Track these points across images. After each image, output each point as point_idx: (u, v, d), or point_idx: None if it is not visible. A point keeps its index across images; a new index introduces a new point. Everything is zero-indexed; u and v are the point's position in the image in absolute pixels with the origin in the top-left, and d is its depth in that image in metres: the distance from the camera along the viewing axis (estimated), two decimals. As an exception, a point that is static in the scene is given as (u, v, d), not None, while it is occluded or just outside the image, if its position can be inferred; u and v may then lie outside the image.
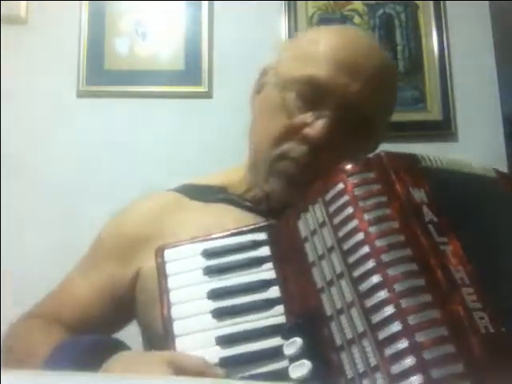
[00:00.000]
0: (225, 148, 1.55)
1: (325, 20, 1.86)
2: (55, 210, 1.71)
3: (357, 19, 1.87)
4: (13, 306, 1.56)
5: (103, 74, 1.81)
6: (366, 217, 0.57)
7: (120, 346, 0.67)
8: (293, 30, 1.83)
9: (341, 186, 0.60)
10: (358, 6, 1.87)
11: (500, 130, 1.77)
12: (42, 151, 1.75)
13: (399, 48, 1.84)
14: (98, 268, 0.84)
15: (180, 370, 0.57)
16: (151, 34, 1.84)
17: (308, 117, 0.76)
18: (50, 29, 1.82)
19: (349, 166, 0.61)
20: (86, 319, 0.80)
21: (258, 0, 1.77)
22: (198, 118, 1.77)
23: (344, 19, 1.87)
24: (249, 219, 0.78)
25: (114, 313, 0.82)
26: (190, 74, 1.79)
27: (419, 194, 0.59)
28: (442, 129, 1.79)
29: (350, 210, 0.58)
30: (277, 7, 1.82)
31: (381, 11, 1.87)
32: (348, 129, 0.76)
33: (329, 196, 0.61)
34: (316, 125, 0.75)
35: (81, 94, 1.79)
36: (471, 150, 1.71)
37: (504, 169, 1.70)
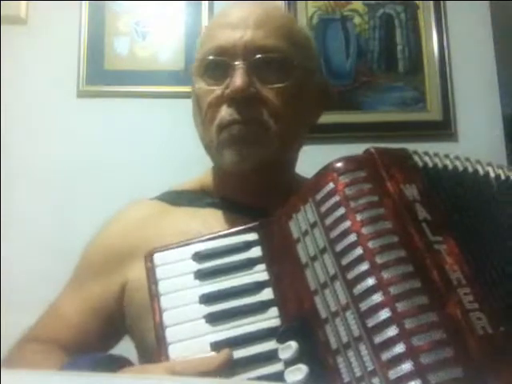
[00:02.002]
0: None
1: (325, 20, 1.86)
2: (55, 210, 1.71)
3: (357, 19, 1.87)
4: (13, 306, 1.57)
5: (103, 74, 1.80)
6: (358, 217, 0.56)
7: (120, 362, 0.66)
8: (293, 30, 1.83)
9: (331, 185, 0.59)
10: (358, 5, 1.87)
11: (500, 130, 1.77)
12: (41, 151, 1.75)
13: (399, 48, 1.84)
14: (87, 286, 0.83)
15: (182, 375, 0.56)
16: (151, 33, 1.83)
17: (225, 82, 0.78)
18: (50, 29, 1.82)
19: (339, 164, 0.60)
20: (80, 339, 0.79)
21: (257, 0, 1.77)
22: (198, 118, 1.77)
23: (344, 19, 1.87)
24: (237, 221, 0.77)
25: (108, 329, 0.82)
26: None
27: (411, 191, 0.59)
28: (442, 129, 1.79)
29: (341, 210, 0.58)
30: (277, 7, 1.82)
31: (381, 11, 1.87)
32: (265, 71, 0.78)
33: (319, 196, 0.60)
34: (233, 81, 0.77)
35: (81, 94, 1.79)
36: (471, 150, 1.70)
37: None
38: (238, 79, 0.76)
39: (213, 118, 0.79)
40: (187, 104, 1.85)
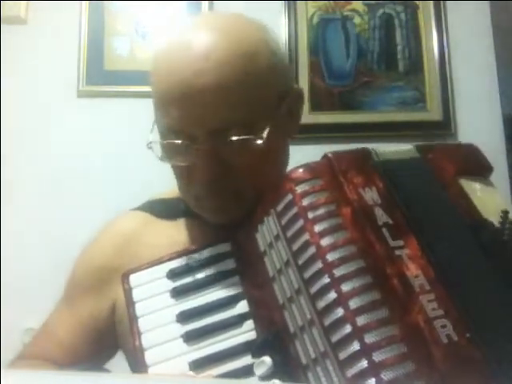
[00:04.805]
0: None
1: (325, 20, 1.87)
2: (55, 209, 1.71)
3: (357, 19, 1.87)
4: (13, 306, 1.57)
5: (103, 74, 1.81)
6: (317, 228, 0.55)
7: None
8: (293, 30, 1.84)
9: (289, 196, 0.58)
10: (358, 5, 1.87)
11: (500, 130, 1.77)
12: (41, 151, 1.75)
13: (399, 48, 1.85)
14: (76, 305, 0.82)
15: None
16: (151, 34, 1.84)
17: (192, 156, 0.70)
18: (49, 29, 1.82)
19: (296, 174, 0.59)
20: (74, 357, 0.78)
21: (258, 0, 1.77)
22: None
23: (344, 19, 1.87)
24: (216, 230, 0.75)
25: (100, 347, 0.81)
26: (190, 74, 1.80)
27: (371, 195, 0.58)
28: (442, 129, 1.79)
29: (300, 222, 0.57)
30: (277, 7, 1.82)
31: (381, 11, 1.87)
32: (230, 146, 0.68)
33: (280, 207, 0.59)
34: (199, 168, 0.69)
35: (81, 94, 1.79)
36: (471, 150, 1.71)
37: (504, 169, 1.70)
38: (203, 170, 0.68)
39: (187, 187, 0.75)
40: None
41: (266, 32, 0.78)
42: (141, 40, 1.83)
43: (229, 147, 0.68)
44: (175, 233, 0.80)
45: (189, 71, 0.67)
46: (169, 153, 0.73)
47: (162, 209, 0.85)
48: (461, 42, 1.83)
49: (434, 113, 1.80)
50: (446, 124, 1.79)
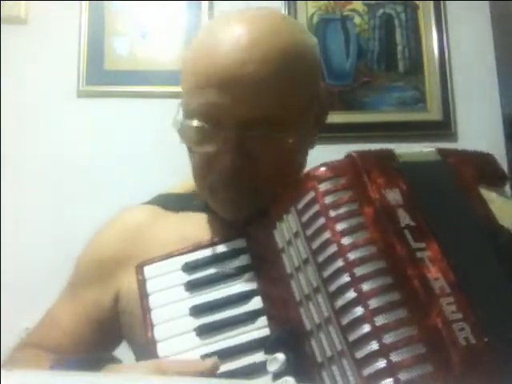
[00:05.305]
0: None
1: (325, 20, 1.87)
2: (55, 209, 1.71)
3: (357, 19, 1.87)
4: (13, 306, 1.57)
5: (103, 74, 1.81)
6: (339, 227, 0.55)
7: (106, 360, 0.64)
8: (293, 30, 1.84)
9: (312, 194, 0.58)
10: (358, 5, 1.87)
11: (500, 130, 1.77)
12: (42, 150, 1.75)
13: (399, 48, 1.85)
14: (80, 295, 0.82)
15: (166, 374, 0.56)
16: (151, 33, 1.84)
17: (217, 143, 0.70)
18: (50, 29, 1.82)
19: (319, 172, 0.59)
20: (75, 346, 0.78)
21: (258, 0, 1.77)
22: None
23: (344, 19, 1.87)
24: (227, 225, 0.75)
25: (103, 336, 0.81)
26: (190, 74, 1.80)
27: (394, 196, 0.57)
28: (442, 129, 1.79)
29: (321, 220, 0.56)
30: (277, 7, 1.82)
31: (381, 11, 1.87)
32: (257, 140, 0.68)
33: (301, 205, 0.59)
34: (222, 156, 0.70)
35: (81, 94, 1.79)
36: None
37: (504, 169, 1.70)
38: (226, 157, 0.69)
39: (203, 177, 0.75)
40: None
41: (306, 29, 0.81)
42: (141, 40, 1.83)
43: (257, 140, 0.69)
44: (185, 227, 0.80)
45: (232, 58, 0.68)
46: (193, 138, 0.73)
47: (172, 202, 0.85)
48: (461, 42, 1.83)
49: (433, 113, 1.80)
50: (446, 124, 1.79)
